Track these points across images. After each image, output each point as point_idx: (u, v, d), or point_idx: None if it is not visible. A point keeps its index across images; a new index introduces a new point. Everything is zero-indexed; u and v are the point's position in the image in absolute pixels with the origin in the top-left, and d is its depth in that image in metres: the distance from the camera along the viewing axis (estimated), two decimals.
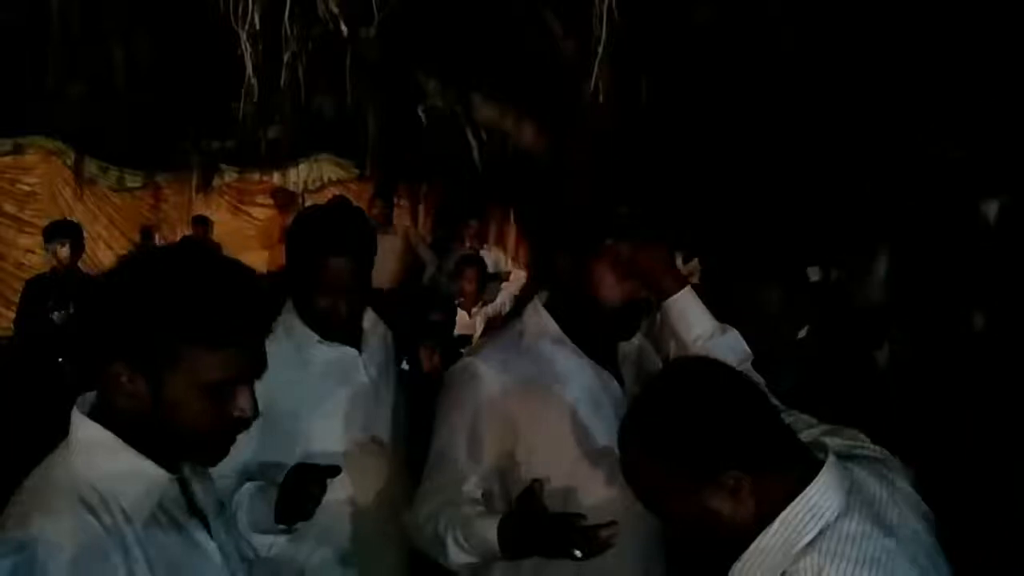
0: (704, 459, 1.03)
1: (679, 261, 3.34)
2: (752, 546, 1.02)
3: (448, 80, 6.78)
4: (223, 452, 1.13)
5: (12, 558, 0.96)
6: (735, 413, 1.05)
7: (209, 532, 1.16)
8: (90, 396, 1.11)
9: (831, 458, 1.06)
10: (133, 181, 8.29)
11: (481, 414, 1.54)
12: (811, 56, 4.82)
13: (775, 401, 1.23)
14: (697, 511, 1.05)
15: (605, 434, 1.51)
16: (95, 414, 1.08)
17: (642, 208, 1.61)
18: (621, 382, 1.62)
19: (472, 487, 1.52)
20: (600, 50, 5.32)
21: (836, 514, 1.01)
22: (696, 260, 3.11)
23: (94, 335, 1.06)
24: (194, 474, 1.19)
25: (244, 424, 1.11)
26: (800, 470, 1.04)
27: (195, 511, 1.16)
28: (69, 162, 7.94)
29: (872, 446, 1.19)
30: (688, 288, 1.58)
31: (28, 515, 1.01)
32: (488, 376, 1.55)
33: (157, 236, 7.96)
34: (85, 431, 1.07)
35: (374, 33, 6.08)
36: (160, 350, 1.03)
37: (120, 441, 1.06)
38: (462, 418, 1.55)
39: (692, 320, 1.56)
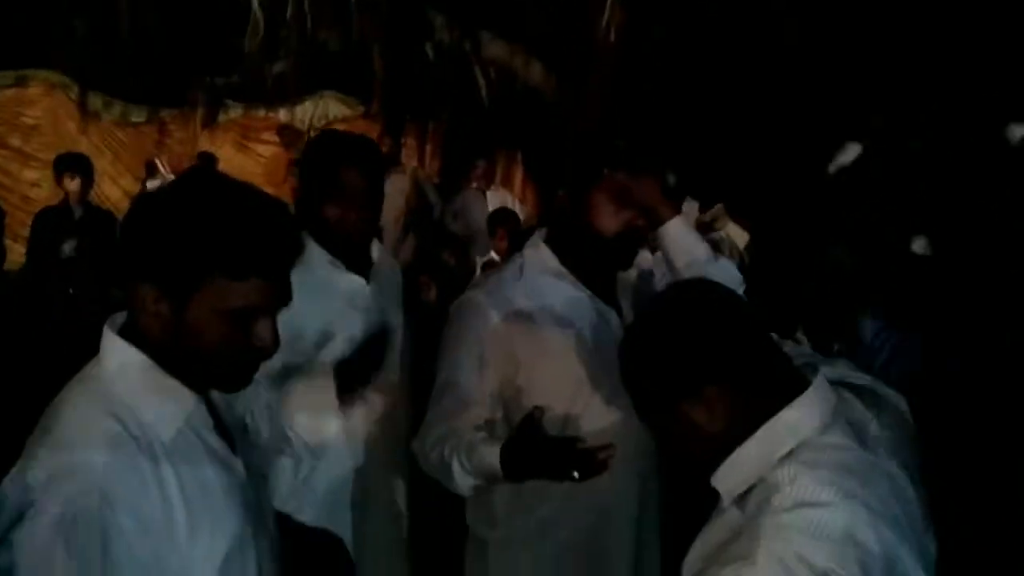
0: (686, 372, 1.07)
1: (695, 207, 3.38)
2: (733, 454, 1.06)
3: (456, 16, 6.66)
4: (244, 381, 1.15)
5: (48, 474, 1.00)
6: (720, 330, 1.08)
7: (234, 450, 1.20)
8: (120, 316, 1.14)
9: (819, 378, 1.09)
10: (137, 116, 8.20)
11: (483, 345, 1.58)
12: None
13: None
14: (680, 423, 1.08)
15: (602, 363, 1.56)
16: (125, 333, 1.11)
17: (639, 140, 1.66)
18: (620, 313, 1.67)
19: (475, 415, 1.57)
20: None
21: (818, 429, 1.04)
22: (720, 205, 3.13)
23: (125, 256, 1.09)
24: (220, 395, 1.23)
25: (264, 354, 1.12)
26: (787, 389, 1.07)
27: (222, 430, 1.19)
28: (73, 96, 7.85)
29: (867, 377, 1.21)
30: (682, 216, 1.63)
31: (61, 429, 1.05)
32: (489, 308, 1.59)
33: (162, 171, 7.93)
34: (115, 349, 1.10)
35: None
36: (185, 276, 1.05)
37: (148, 360, 1.09)
38: (465, 349, 1.60)
39: (685, 246, 1.62)
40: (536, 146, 7.18)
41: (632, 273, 1.75)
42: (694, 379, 1.06)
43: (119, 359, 1.10)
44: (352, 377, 1.70)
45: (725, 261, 1.66)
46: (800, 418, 1.05)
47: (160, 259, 1.05)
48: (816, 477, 0.99)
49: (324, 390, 1.61)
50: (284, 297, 1.12)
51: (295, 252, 1.13)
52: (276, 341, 1.11)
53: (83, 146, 7.31)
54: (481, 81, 6.87)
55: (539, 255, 1.67)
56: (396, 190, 5.55)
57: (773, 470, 1.03)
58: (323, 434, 1.67)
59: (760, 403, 1.06)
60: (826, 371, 1.14)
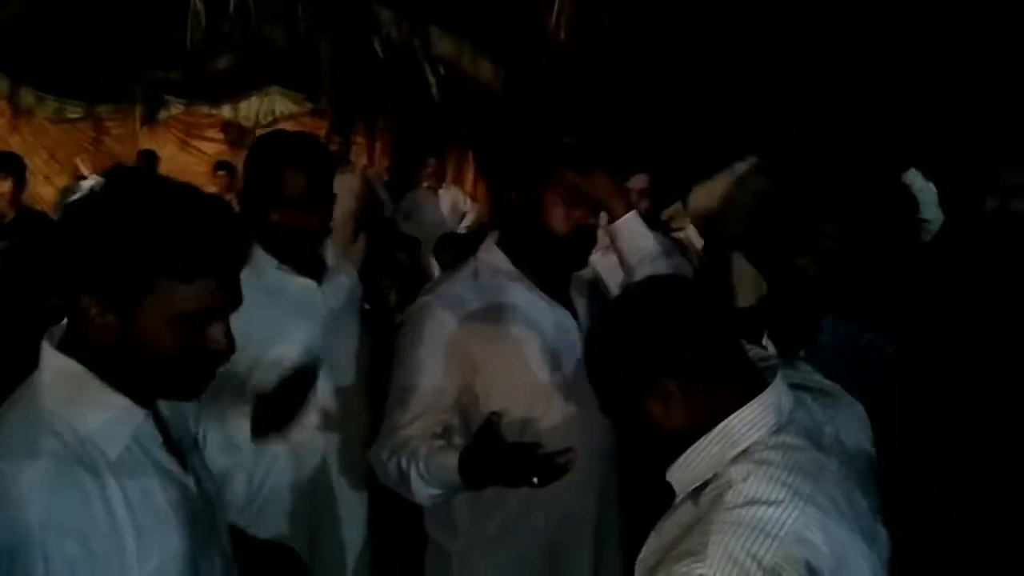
0: (645, 363, 1.08)
1: (643, 179, 3.37)
2: (689, 449, 1.07)
3: (404, 11, 6.58)
4: (201, 387, 1.10)
5: None
6: (682, 323, 1.08)
7: (185, 467, 1.15)
8: (59, 328, 1.08)
9: (777, 379, 1.10)
10: (73, 112, 7.90)
11: (439, 350, 1.56)
12: None
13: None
14: (638, 416, 1.09)
15: (559, 365, 1.58)
16: (65, 347, 1.05)
17: (587, 136, 1.64)
18: (575, 315, 1.66)
19: (432, 422, 1.55)
20: None
21: (773, 429, 1.05)
22: (679, 204, 3.12)
23: (62, 268, 1.02)
24: (169, 409, 1.17)
25: (221, 358, 1.08)
26: (745, 387, 1.08)
27: (171, 446, 1.14)
28: (3, 91, 7.54)
29: (827, 382, 1.23)
30: (634, 212, 1.64)
31: None
32: (445, 314, 1.57)
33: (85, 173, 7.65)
34: (56, 364, 1.04)
35: None
36: (130, 283, 1.00)
37: (91, 374, 1.03)
38: (421, 355, 1.57)
39: (638, 242, 1.63)
40: (487, 143, 7.15)
41: (586, 273, 1.75)
42: (653, 371, 1.07)
43: (59, 375, 1.03)
44: (272, 415, 1.65)
45: (678, 258, 1.67)
46: (755, 417, 1.06)
47: (101, 268, 0.99)
48: (768, 475, 1.00)
49: (238, 422, 1.58)
50: (235, 298, 1.07)
51: (243, 249, 1.09)
52: (232, 344, 1.07)
53: (14, 144, 7.03)
54: (431, 78, 6.79)
55: (492, 257, 1.65)
56: (346, 189, 5.44)
57: (727, 467, 1.04)
58: (232, 458, 1.68)
59: (718, 400, 1.07)
60: (786, 374, 1.15)
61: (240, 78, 7.21)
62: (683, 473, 1.08)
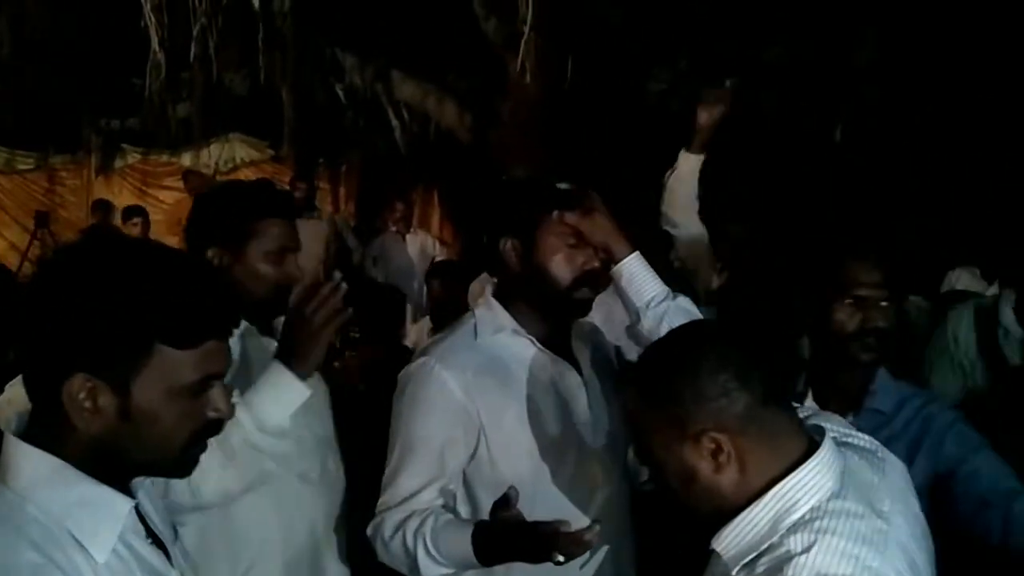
0: (685, 413, 1.02)
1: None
2: (740, 515, 1.01)
3: (367, 57, 6.55)
4: (195, 460, 1.01)
5: None
6: (726, 377, 1.02)
7: (169, 559, 1.05)
8: (20, 418, 0.96)
9: (828, 439, 1.05)
10: (24, 163, 7.72)
11: (442, 417, 1.48)
12: (734, 30, 4.86)
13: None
14: (678, 465, 1.04)
15: (567, 424, 1.53)
16: (35, 438, 0.93)
17: (583, 179, 1.61)
18: (578, 369, 1.59)
19: (436, 494, 1.48)
20: (526, 30, 5.23)
21: (830, 494, 1.00)
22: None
23: (46, 346, 0.91)
24: (147, 497, 1.06)
25: (218, 427, 1.00)
26: (795, 446, 1.03)
27: (154, 538, 1.03)
28: None
29: (863, 436, 1.18)
30: (637, 253, 1.58)
31: None
32: (447, 377, 1.49)
33: (50, 222, 7.40)
34: (25, 460, 0.92)
35: (288, 5, 5.80)
36: (127, 355, 0.90)
37: (72, 468, 0.92)
38: (422, 421, 1.49)
39: (642, 284, 1.57)
40: (453, 186, 7.10)
41: (586, 324, 1.68)
42: (692, 420, 1.02)
43: (33, 472, 0.91)
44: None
45: (683, 299, 1.60)
46: (813, 481, 1.00)
47: (96, 335, 0.89)
48: (833, 547, 0.94)
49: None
50: (229, 360, 1.00)
51: (236, 308, 1.03)
52: (231, 409, 0.99)
53: None
54: (395, 122, 6.75)
55: (492, 313, 1.57)
56: (313, 237, 5.34)
57: (784, 536, 0.97)
58: None
59: (769, 460, 1.01)
60: (830, 430, 1.09)
61: (200, 125, 7.09)
62: (734, 543, 1.01)
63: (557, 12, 5.21)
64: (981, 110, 4.36)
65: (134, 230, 6.19)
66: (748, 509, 1.00)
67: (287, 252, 1.66)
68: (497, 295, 1.58)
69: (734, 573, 1.01)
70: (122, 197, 7.76)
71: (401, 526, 1.42)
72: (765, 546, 0.98)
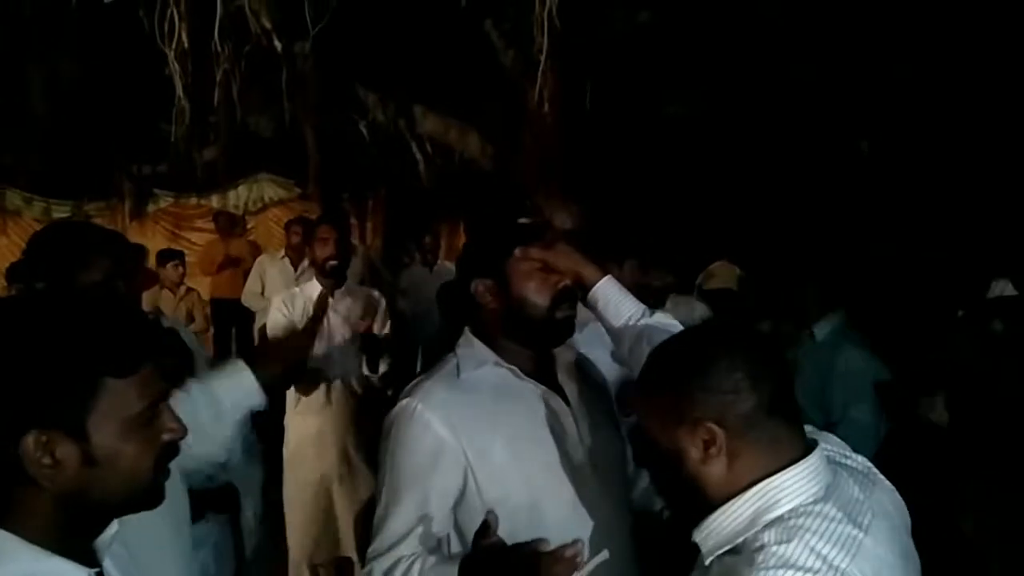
0: (691, 398, 1.05)
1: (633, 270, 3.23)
2: (721, 508, 1.04)
3: (388, 93, 6.64)
4: (163, 487, 1.00)
5: None
6: (740, 375, 1.05)
7: None
8: None
9: (819, 450, 1.08)
10: (60, 211, 7.90)
11: (430, 458, 1.48)
12: (753, 53, 4.84)
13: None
14: (669, 445, 1.07)
15: (559, 449, 1.52)
16: None
17: (538, 214, 1.62)
18: (564, 397, 1.59)
19: (426, 535, 1.47)
20: (543, 59, 5.27)
21: (813, 498, 1.02)
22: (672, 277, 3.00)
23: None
24: (111, 557, 1.02)
25: (175, 449, 1.00)
26: (788, 449, 1.05)
27: None
28: None
29: (860, 458, 1.19)
30: (608, 276, 1.61)
31: None
32: (429, 417, 1.49)
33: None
34: None
35: (309, 48, 5.91)
36: (76, 396, 0.89)
37: (25, 543, 0.89)
38: (409, 463, 1.49)
39: (618, 305, 1.59)
40: (478, 217, 7.12)
41: (568, 355, 1.68)
42: (701, 408, 1.04)
43: None
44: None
45: (661, 315, 1.61)
46: (798, 484, 1.02)
47: (37, 393, 0.88)
48: (805, 542, 0.97)
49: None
50: (164, 380, 1.00)
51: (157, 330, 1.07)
52: (184, 425, 0.99)
53: (3, 245, 6.98)
54: (418, 156, 6.82)
55: (473, 350, 1.58)
56: (351, 273, 5.38)
57: (761, 532, 0.99)
58: None
59: (760, 457, 1.04)
60: (823, 446, 1.11)
61: (228, 167, 7.22)
62: (712, 535, 1.04)
63: (573, 41, 5.25)
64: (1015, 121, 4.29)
65: (175, 273, 6.23)
66: (730, 503, 1.03)
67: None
68: (476, 333, 1.59)
69: (708, 563, 1.04)
70: (155, 240, 7.91)
71: (391, 570, 1.41)
72: (741, 540, 1.01)
